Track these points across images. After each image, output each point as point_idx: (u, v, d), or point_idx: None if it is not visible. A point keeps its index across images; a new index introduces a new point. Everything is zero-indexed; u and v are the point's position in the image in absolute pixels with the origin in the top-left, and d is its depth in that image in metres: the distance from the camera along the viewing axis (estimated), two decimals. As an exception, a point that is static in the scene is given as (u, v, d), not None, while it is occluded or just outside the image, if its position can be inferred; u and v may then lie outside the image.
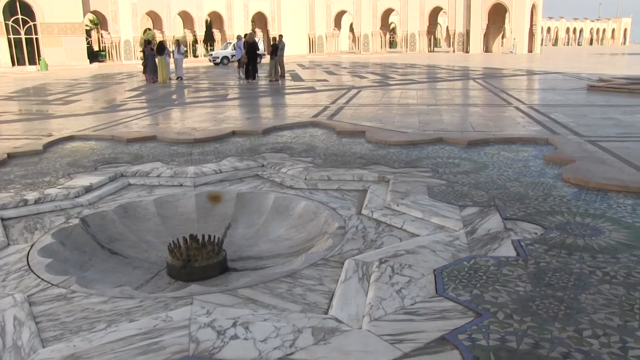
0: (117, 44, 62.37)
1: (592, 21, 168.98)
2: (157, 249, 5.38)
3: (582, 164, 7.26)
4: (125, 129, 12.10)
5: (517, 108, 14.52)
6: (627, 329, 3.18)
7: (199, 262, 4.68)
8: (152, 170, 7.39)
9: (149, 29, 74.25)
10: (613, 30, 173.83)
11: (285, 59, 28.59)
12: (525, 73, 31.08)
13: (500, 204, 5.62)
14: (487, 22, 72.58)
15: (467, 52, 73.05)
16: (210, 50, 66.21)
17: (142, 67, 30.23)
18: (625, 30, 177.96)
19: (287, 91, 21.54)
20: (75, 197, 6.25)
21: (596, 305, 3.45)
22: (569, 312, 3.36)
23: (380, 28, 79.40)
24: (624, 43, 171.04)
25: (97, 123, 13.33)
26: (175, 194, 6.44)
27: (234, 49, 35.98)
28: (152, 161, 8.23)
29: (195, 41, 71.98)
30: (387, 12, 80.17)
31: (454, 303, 3.48)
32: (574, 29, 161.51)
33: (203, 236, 4.82)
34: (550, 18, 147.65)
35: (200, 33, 70.52)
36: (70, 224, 5.41)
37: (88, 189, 6.53)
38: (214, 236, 4.85)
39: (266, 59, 30.85)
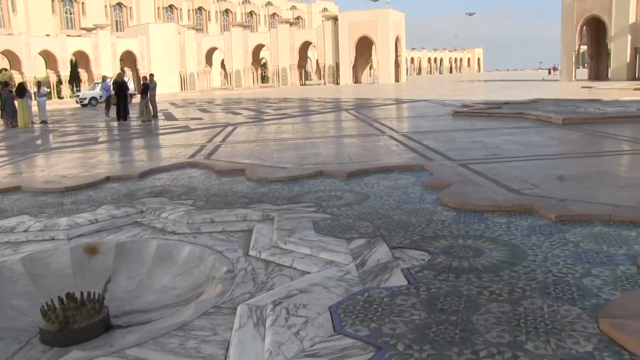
0: (-32, 88, 58.73)
1: (451, 51, 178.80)
2: (26, 313, 4.90)
3: (457, 188, 7.54)
4: (-17, 181, 11.26)
5: (391, 136, 14.95)
6: (517, 343, 3.31)
7: (79, 323, 4.30)
8: (18, 225, 6.80)
9: (5, 70, 70.71)
10: (469, 59, 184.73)
11: (157, 98, 28.09)
12: (394, 102, 32.19)
13: (386, 233, 5.69)
14: (355, 55, 74.79)
15: (338, 84, 74.87)
16: (77, 91, 63.84)
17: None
18: (479, 59, 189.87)
19: (161, 131, 21.10)
20: None
21: (488, 325, 3.56)
22: (464, 335, 3.44)
23: (252, 63, 79.94)
24: (479, 70, 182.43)
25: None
26: (47, 249, 5.95)
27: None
28: (18, 215, 7.55)
29: (59, 82, 69.28)
30: (258, 48, 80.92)
31: (354, 339, 3.45)
32: (435, 59, 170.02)
33: (81, 293, 4.48)
34: (413, 49, 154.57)
35: (65, 73, 67.97)
36: None
37: None
38: (94, 292, 4.53)
39: (137, 99, 30.12)
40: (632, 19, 53.88)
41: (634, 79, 53.41)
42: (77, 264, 5.72)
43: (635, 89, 34.98)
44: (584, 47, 67.31)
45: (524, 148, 12.04)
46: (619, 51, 55.16)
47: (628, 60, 54.74)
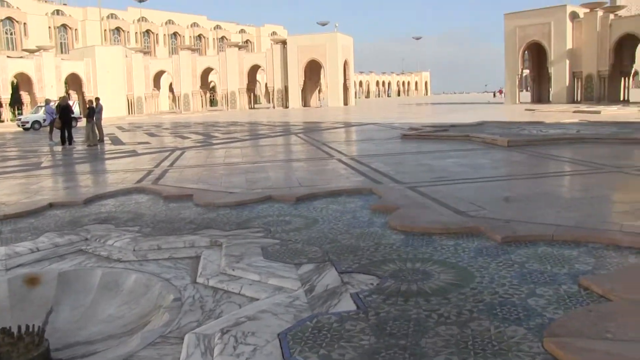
0: None
1: (398, 75, 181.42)
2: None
3: (405, 211, 7.61)
4: None
5: (340, 160, 15.03)
6: (466, 367, 3.31)
7: (15, 359, 4.07)
8: (-47, 257, 6.50)
9: None
10: (416, 82, 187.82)
11: (103, 122, 27.67)
12: (343, 125, 32.42)
13: (335, 258, 5.69)
14: (304, 78, 75.18)
15: (287, 107, 75.08)
16: (19, 114, 62.33)
17: None
18: (426, 82, 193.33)
19: (107, 156, 20.75)
20: None
21: (436, 348, 3.59)
22: (413, 359, 3.44)
23: (200, 87, 79.60)
24: (426, 94, 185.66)
25: None
26: (-18, 281, 5.72)
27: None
28: None
29: (-1, 105, 67.44)
30: (207, 71, 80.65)
31: (302, 367, 3.42)
32: (383, 82, 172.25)
33: (19, 327, 4.25)
34: (362, 72, 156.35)
35: (6, 96, 66.17)
36: None
37: None
38: (33, 325, 4.34)
39: (82, 123, 29.60)
40: (569, 45, 55.81)
41: (573, 102, 55.23)
42: (15, 296, 5.51)
43: (574, 112, 36.15)
44: (527, 71, 69.27)
45: (471, 170, 12.25)
46: (559, 75, 57.05)
47: (567, 84, 56.65)
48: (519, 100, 61.25)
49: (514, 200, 8.81)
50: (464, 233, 6.39)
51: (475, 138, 18.76)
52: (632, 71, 58.74)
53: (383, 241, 6.27)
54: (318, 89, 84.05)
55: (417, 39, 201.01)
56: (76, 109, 45.32)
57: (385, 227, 6.92)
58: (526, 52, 61.74)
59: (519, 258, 5.43)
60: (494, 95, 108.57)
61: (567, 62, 56.19)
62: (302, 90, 76.02)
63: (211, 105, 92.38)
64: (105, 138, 27.76)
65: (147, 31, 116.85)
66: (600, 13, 53.91)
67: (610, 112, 34.21)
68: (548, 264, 5.22)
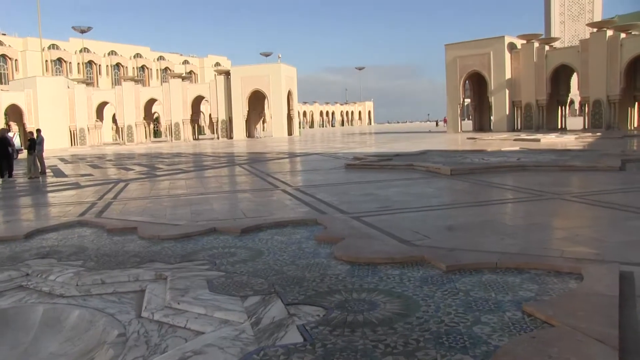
0: None
1: (342, 104, 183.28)
2: None
3: (350, 241, 7.65)
4: None
5: (284, 191, 15.04)
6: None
7: None
8: None
9: None
10: (360, 112, 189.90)
11: (45, 154, 27.10)
12: (287, 156, 32.50)
13: (281, 289, 5.68)
14: (248, 109, 75.19)
15: (231, 138, 74.86)
16: (-44, 147, 60.51)
17: None
18: (370, 112, 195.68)
19: (49, 188, 20.28)
20: None
21: (384, 380, 3.58)
22: (360, 393, 3.45)
23: (144, 118, 78.78)
24: (370, 123, 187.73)
25: None
26: None
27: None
28: None
29: None
30: (150, 102, 79.95)
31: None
32: (327, 112, 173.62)
33: None
34: (306, 103, 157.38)
35: (-61, 128, 64.39)
36: None
37: None
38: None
39: (23, 155, 28.90)
40: (508, 75, 57.46)
41: (513, 130, 56.74)
42: (-49, 336, 5.34)
43: (515, 140, 37.09)
44: (468, 100, 70.91)
45: (415, 199, 12.42)
46: (499, 104, 58.58)
47: (507, 112, 58.21)
48: (460, 128, 62.58)
49: (457, 229, 8.96)
50: (409, 262, 6.48)
51: (418, 167, 19.05)
52: (568, 100, 60.76)
53: (329, 272, 6.29)
54: (262, 119, 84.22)
55: (360, 69, 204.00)
56: (17, 141, 44.34)
57: (331, 257, 6.95)
58: (467, 81, 63.24)
59: (464, 286, 5.51)
60: (437, 124, 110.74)
61: (507, 91, 57.81)
62: (246, 121, 75.98)
63: (155, 137, 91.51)
64: (47, 170, 27.17)
65: (90, 62, 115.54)
66: (536, 44, 55.80)
67: (549, 140, 35.30)
68: (492, 291, 5.32)
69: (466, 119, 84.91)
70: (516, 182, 14.78)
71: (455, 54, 61.52)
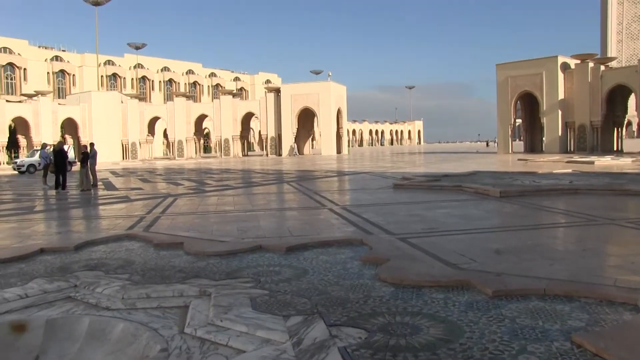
0: None
1: (391, 123, 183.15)
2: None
3: (395, 263, 7.57)
4: None
5: (331, 210, 15.00)
6: None
7: None
8: (-64, 302, 6.44)
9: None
10: (409, 131, 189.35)
11: (97, 167, 27.70)
12: (336, 174, 32.50)
13: (324, 310, 5.64)
14: (297, 126, 75.64)
15: (280, 155, 75.29)
16: (15, 157, 62.57)
17: None
18: (419, 131, 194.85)
19: (100, 201, 20.71)
20: None
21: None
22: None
23: (194, 133, 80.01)
24: (419, 142, 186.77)
25: None
26: (-31, 328, 5.66)
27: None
28: None
29: (-4, 148, 67.99)
30: (201, 118, 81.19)
31: None
32: (376, 131, 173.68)
33: None
34: (355, 121, 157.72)
35: (3, 139, 66.77)
36: None
37: None
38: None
39: (76, 167, 29.63)
40: (561, 95, 56.53)
41: (566, 151, 55.68)
42: (2, 343, 5.45)
43: (567, 162, 36.34)
44: (519, 121, 70.03)
45: (462, 221, 12.25)
46: (552, 125, 57.63)
47: (560, 133, 57.19)
48: (511, 149, 61.77)
49: (505, 253, 8.78)
50: (455, 286, 6.37)
51: (467, 188, 18.81)
52: (625, 121, 59.47)
53: (372, 293, 6.23)
54: (311, 137, 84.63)
55: (410, 88, 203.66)
56: (70, 154, 45.46)
57: (375, 279, 6.89)
58: (518, 101, 62.49)
59: (510, 313, 5.39)
60: (487, 145, 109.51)
61: (560, 112, 56.89)
62: (295, 138, 76.45)
63: (205, 152, 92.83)
64: (98, 183, 27.77)
65: (143, 77, 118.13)
66: (591, 64, 54.86)
67: (603, 163, 34.45)
68: (540, 319, 5.18)
69: (517, 140, 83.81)
70: (568, 206, 14.46)
71: (507, 73, 60.93)
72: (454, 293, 6.12)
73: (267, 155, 78.06)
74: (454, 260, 8.04)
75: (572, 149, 56.96)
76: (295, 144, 75.42)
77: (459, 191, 18.76)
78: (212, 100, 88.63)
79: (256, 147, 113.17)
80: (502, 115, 62.17)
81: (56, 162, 25.27)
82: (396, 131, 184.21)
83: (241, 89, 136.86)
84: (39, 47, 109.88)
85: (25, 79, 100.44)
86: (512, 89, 60.52)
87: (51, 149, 27.60)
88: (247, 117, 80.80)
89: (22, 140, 69.33)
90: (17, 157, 61.34)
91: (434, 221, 12.27)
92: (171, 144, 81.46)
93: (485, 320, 5.19)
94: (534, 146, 64.15)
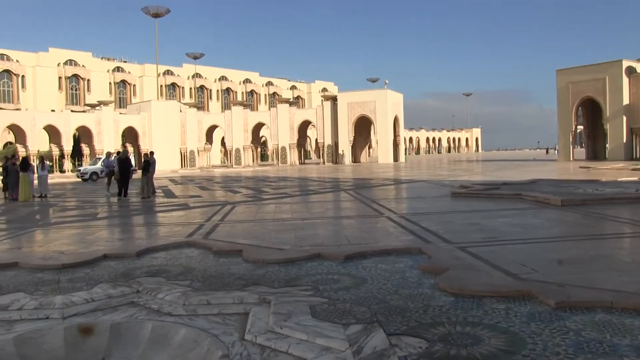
0: (-27, 160, 59.52)
1: (449, 131, 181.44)
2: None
3: (455, 272, 7.49)
4: (-18, 257, 11.17)
5: (389, 218, 14.93)
6: None
7: None
8: (13, 303, 6.73)
9: (10, 143, 71.68)
10: (467, 139, 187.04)
11: (157, 174, 28.25)
12: (393, 182, 32.35)
13: (383, 319, 5.62)
14: (354, 134, 75.60)
15: (337, 163, 75.35)
16: (79, 165, 64.44)
17: (1, 184, 28.76)
18: (477, 138, 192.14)
19: (160, 209, 21.11)
20: None
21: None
22: None
23: (252, 142, 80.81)
24: (477, 150, 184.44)
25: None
26: (41, 328, 5.85)
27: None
28: (13, 292, 7.47)
29: (62, 156, 70.17)
30: (258, 126, 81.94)
31: None
32: (433, 138, 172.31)
33: None
34: (412, 129, 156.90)
35: (68, 148, 68.89)
36: None
37: None
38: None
39: (137, 175, 30.29)
40: (626, 101, 54.96)
41: (631, 159, 54.05)
42: (70, 345, 5.63)
43: (633, 169, 35.29)
44: (580, 127, 68.45)
45: (522, 230, 12.03)
46: (615, 132, 56.08)
47: (624, 140, 55.60)
48: (572, 157, 60.44)
49: (568, 263, 8.58)
50: (516, 296, 6.25)
51: (527, 197, 18.46)
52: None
53: (432, 303, 6.18)
54: (368, 145, 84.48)
55: (467, 95, 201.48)
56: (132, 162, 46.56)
57: (435, 288, 6.83)
58: (579, 107, 61.10)
59: (575, 325, 5.25)
60: (547, 152, 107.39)
61: (624, 118, 55.36)
62: (352, 146, 76.46)
63: (262, 160, 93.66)
64: (157, 191, 28.30)
65: (201, 87, 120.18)
66: (659, 68, 53.23)
67: (671, 170, 33.30)
68: (607, 333, 5.02)
69: (578, 147, 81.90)
70: (634, 215, 14.02)
71: (568, 79, 59.69)
72: (515, 304, 6.01)
73: (323, 163, 78.24)
74: (514, 270, 7.89)
75: (637, 156, 55.34)
76: (343, 151, 75.38)
77: (519, 199, 18.43)
78: (269, 109, 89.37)
79: (313, 155, 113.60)
80: (562, 121, 60.93)
81: (121, 170, 25.88)
82: (453, 139, 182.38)
83: (298, 97, 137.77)
84: (102, 58, 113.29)
85: (88, 90, 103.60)
86: (573, 95, 59.26)
87: (114, 157, 28.26)
88: (304, 125, 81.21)
89: (85, 149, 71.36)
90: (81, 165, 63.15)
91: (494, 230, 12.09)
92: (229, 152, 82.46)
93: (549, 332, 5.08)
94: (596, 153, 62.61)
